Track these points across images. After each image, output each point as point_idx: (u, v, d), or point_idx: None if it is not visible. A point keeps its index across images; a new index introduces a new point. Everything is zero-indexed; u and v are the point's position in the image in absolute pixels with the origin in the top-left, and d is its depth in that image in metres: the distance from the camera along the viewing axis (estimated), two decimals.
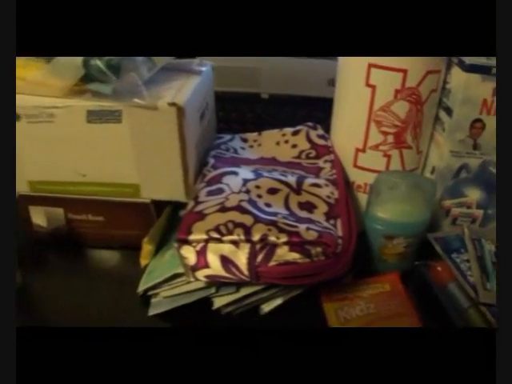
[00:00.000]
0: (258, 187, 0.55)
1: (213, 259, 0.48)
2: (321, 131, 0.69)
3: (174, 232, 0.60)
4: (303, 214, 0.53)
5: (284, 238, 0.48)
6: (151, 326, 0.53)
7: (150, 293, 0.55)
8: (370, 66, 0.56)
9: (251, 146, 0.69)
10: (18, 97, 0.57)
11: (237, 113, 0.82)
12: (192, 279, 0.50)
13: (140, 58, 0.56)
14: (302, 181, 0.57)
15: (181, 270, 0.52)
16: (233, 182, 0.56)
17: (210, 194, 0.54)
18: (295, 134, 0.69)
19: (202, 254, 0.49)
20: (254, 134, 0.71)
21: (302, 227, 0.49)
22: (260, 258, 0.48)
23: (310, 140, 0.67)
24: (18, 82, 0.58)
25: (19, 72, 0.58)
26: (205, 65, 0.65)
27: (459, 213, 0.62)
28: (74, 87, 0.55)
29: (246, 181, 0.56)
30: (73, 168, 0.58)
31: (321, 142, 0.67)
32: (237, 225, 0.49)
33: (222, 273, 0.49)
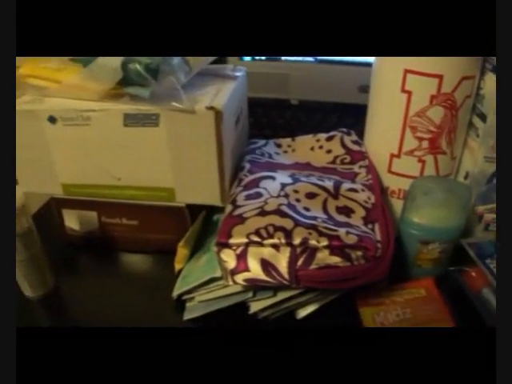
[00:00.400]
0: (296, 191, 0.55)
1: (253, 263, 0.48)
2: (355, 137, 0.69)
3: (208, 236, 0.60)
4: (341, 218, 0.53)
5: (324, 242, 0.48)
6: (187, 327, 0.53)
7: (185, 297, 0.55)
8: (406, 71, 0.56)
9: (285, 152, 0.69)
10: (53, 100, 0.57)
11: (267, 119, 0.82)
12: (230, 283, 0.50)
13: (177, 63, 0.56)
14: (339, 186, 0.57)
15: (217, 274, 0.52)
16: (271, 187, 0.56)
17: (248, 197, 0.54)
18: (329, 139, 0.69)
19: (242, 257, 0.49)
20: (288, 140, 0.71)
21: (341, 231, 0.49)
22: (301, 261, 0.48)
23: (344, 145, 0.67)
24: (53, 86, 0.58)
25: (55, 75, 0.59)
26: (240, 70, 0.65)
27: (492, 219, 0.62)
28: (111, 91, 0.55)
29: (283, 185, 0.56)
30: (108, 171, 0.58)
31: (355, 147, 0.67)
32: (277, 228, 0.49)
33: (262, 276, 0.49)
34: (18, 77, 0.60)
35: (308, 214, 0.52)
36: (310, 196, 0.55)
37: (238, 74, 0.64)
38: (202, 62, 0.60)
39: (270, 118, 0.83)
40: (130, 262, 0.63)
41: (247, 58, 0.82)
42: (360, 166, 0.63)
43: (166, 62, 0.55)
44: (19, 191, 0.53)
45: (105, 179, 0.59)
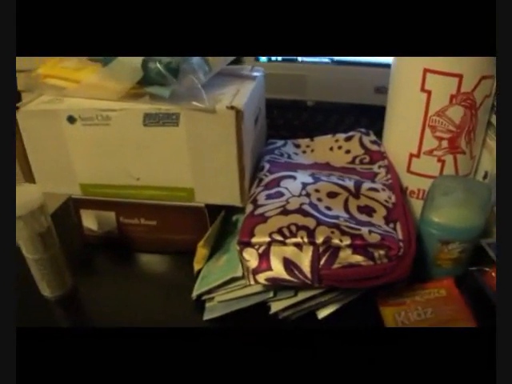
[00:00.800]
0: (317, 191, 0.55)
1: (276, 262, 0.48)
2: (373, 137, 0.69)
3: (227, 237, 0.60)
4: (363, 217, 0.52)
5: (347, 241, 0.48)
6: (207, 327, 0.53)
7: (205, 297, 0.55)
8: (426, 71, 0.56)
9: (304, 152, 0.69)
10: (72, 100, 0.57)
11: (284, 120, 0.82)
12: (252, 282, 0.50)
13: (197, 62, 0.56)
14: (359, 185, 0.57)
15: (238, 273, 0.51)
16: (292, 186, 0.56)
17: (269, 197, 0.54)
18: (348, 139, 0.69)
19: (264, 256, 0.48)
20: (307, 140, 0.71)
21: (364, 230, 0.49)
22: (323, 260, 0.48)
23: (363, 145, 0.67)
24: (72, 85, 0.58)
25: (74, 75, 0.59)
26: (258, 70, 0.65)
27: None
28: (131, 90, 0.55)
29: (305, 184, 0.56)
30: (126, 171, 0.58)
31: (374, 147, 0.67)
32: (300, 227, 0.49)
33: (285, 275, 0.48)
34: (36, 77, 0.60)
35: (330, 213, 0.52)
36: (332, 195, 0.55)
37: (256, 74, 0.64)
38: (221, 62, 0.60)
39: (287, 119, 0.83)
40: (149, 262, 0.63)
41: (263, 59, 0.82)
42: (379, 166, 0.63)
43: (186, 61, 0.55)
44: (38, 191, 0.53)
45: (123, 179, 0.59)
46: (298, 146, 0.70)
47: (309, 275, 0.48)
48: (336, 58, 0.81)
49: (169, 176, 0.57)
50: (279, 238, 0.48)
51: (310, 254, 0.48)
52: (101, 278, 0.61)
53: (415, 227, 0.55)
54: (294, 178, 0.58)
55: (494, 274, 0.56)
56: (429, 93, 0.57)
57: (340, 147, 0.68)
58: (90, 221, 0.62)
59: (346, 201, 0.55)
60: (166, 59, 0.54)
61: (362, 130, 0.70)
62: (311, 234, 0.48)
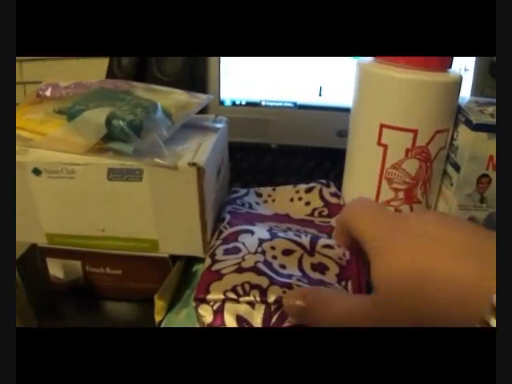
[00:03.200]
0: (273, 248, 0.56)
1: (229, 318, 0.50)
2: (333, 188, 0.70)
3: (187, 288, 0.61)
4: (316, 275, 0.54)
5: None
6: None
7: None
8: (382, 126, 0.58)
9: (265, 202, 0.70)
10: (38, 151, 0.58)
11: (247, 163, 0.83)
12: None
13: (160, 118, 0.57)
14: (315, 242, 0.58)
15: None
16: (248, 242, 0.57)
17: (226, 252, 0.56)
18: (308, 191, 0.70)
19: (218, 313, 0.50)
20: (269, 189, 0.72)
21: None
22: (274, 319, 0.49)
23: (322, 198, 0.68)
24: (38, 137, 0.59)
25: (38, 128, 0.60)
26: (221, 121, 0.67)
27: None
28: (96, 145, 0.56)
29: (261, 241, 0.57)
30: (92, 223, 0.59)
31: (333, 200, 0.68)
32: (253, 286, 0.50)
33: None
34: None
35: (284, 271, 0.54)
36: (287, 253, 0.56)
37: (218, 125, 0.65)
38: (183, 117, 0.61)
39: (250, 163, 0.85)
40: (114, 309, 0.64)
41: (227, 103, 0.84)
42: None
43: (149, 117, 0.56)
44: None
45: (89, 230, 0.59)
46: (260, 196, 0.71)
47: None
48: (299, 103, 0.83)
49: (133, 228, 0.59)
50: (233, 296, 0.50)
51: (261, 312, 0.50)
52: (67, 326, 0.61)
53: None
54: (252, 232, 0.59)
55: None
56: (385, 147, 0.59)
57: (300, 198, 0.69)
58: (56, 269, 0.63)
59: (301, 258, 0.56)
60: (129, 116, 0.55)
61: (323, 181, 0.71)
62: (264, 293, 0.50)
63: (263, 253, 0.55)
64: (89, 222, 0.59)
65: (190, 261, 0.63)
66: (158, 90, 0.67)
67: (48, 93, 0.66)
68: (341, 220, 0.55)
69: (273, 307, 0.50)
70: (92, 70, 1.00)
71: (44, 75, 0.73)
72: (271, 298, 0.49)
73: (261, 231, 0.60)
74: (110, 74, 0.95)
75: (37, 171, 0.57)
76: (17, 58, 0.60)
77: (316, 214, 0.67)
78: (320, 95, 0.84)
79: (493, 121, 0.56)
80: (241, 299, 0.50)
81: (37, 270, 0.64)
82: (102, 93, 0.63)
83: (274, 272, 0.53)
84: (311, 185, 0.70)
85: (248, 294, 0.50)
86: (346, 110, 0.66)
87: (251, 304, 0.50)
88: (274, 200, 0.70)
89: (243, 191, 0.71)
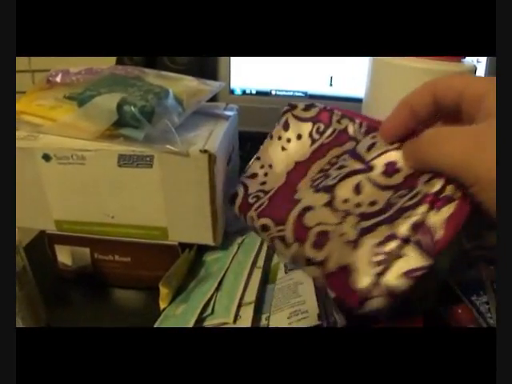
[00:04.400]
0: (346, 200, 0.44)
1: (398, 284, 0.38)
2: (302, 105, 0.56)
3: (193, 278, 0.61)
4: (394, 180, 0.43)
5: (425, 207, 0.39)
6: None
7: None
8: None
9: (266, 174, 0.55)
10: (49, 137, 0.58)
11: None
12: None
13: (171, 104, 0.57)
14: (359, 157, 0.46)
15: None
16: (319, 214, 0.45)
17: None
18: (286, 127, 0.56)
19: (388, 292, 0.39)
20: (254, 162, 0.57)
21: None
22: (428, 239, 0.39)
23: (302, 118, 0.55)
24: (47, 123, 0.59)
25: (49, 113, 0.59)
26: (232, 109, 0.66)
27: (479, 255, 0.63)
28: (106, 131, 0.56)
29: (327, 203, 0.45)
30: (101, 209, 0.59)
31: (312, 112, 0.55)
32: (382, 242, 0.39)
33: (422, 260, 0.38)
34: None
35: (382, 207, 0.42)
36: (357, 191, 0.44)
37: (229, 113, 0.65)
38: (195, 103, 0.60)
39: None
40: (123, 297, 0.63)
41: (237, 92, 0.83)
42: (338, 121, 0.52)
43: (160, 104, 0.56)
44: None
45: (98, 217, 0.59)
46: (254, 176, 0.56)
47: (430, 262, 0.38)
48: (310, 92, 0.82)
49: (143, 215, 0.58)
50: (379, 269, 0.39)
51: (413, 247, 0.38)
52: (75, 313, 0.61)
53: None
54: (311, 208, 0.46)
55: (459, 310, 0.58)
56: None
57: (289, 140, 0.55)
58: (64, 256, 0.63)
59: (370, 181, 0.44)
60: (140, 102, 0.54)
61: (286, 107, 0.58)
62: (393, 236, 0.39)
63: (347, 213, 0.43)
64: (98, 208, 0.59)
65: (201, 251, 0.63)
66: (168, 77, 0.66)
67: (58, 79, 0.65)
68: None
69: (414, 235, 0.39)
70: (101, 61, 1.00)
71: (53, 64, 0.73)
72: (404, 231, 0.39)
73: (312, 197, 0.47)
74: (120, 63, 0.94)
75: (47, 157, 0.56)
76: None
77: (315, 135, 0.53)
78: (331, 85, 0.84)
79: None
80: (389, 265, 0.38)
81: (45, 257, 0.64)
82: (113, 79, 0.62)
83: (375, 213, 0.42)
84: (282, 120, 0.57)
85: (389, 253, 0.39)
86: (357, 101, 0.66)
87: (398, 256, 0.39)
88: (270, 165, 0.55)
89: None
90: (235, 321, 0.51)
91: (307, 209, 0.46)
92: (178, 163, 0.54)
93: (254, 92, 0.84)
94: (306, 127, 0.54)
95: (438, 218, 0.39)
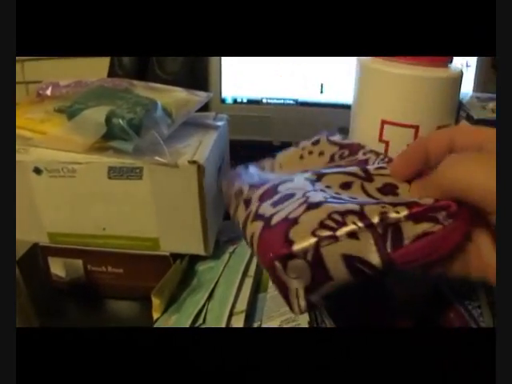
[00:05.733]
0: (328, 187, 0.44)
1: (334, 265, 0.38)
2: (338, 135, 0.57)
3: (185, 288, 0.61)
4: (389, 198, 0.42)
5: (404, 211, 0.38)
6: None
7: None
8: (383, 122, 0.58)
9: (273, 170, 0.56)
10: (38, 150, 0.58)
11: (249, 161, 0.83)
12: (302, 309, 0.39)
13: (160, 116, 0.57)
14: (365, 168, 0.46)
15: None
16: (296, 186, 0.45)
17: (276, 203, 0.43)
18: (316, 143, 0.57)
19: (317, 263, 0.37)
20: (268, 159, 0.58)
21: (409, 200, 0.40)
22: (389, 241, 0.38)
23: (335, 143, 0.56)
24: (39, 136, 0.59)
25: (38, 127, 0.60)
26: (221, 119, 0.67)
27: None
28: (96, 144, 0.56)
29: (311, 181, 0.45)
30: (93, 221, 0.59)
31: (346, 141, 0.55)
32: (344, 213, 0.38)
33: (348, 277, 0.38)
34: None
35: (359, 200, 0.42)
36: (346, 186, 0.44)
37: (219, 123, 0.65)
38: (184, 114, 0.61)
39: (252, 160, 0.83)
40: (116, 308, 0.64)
41: (229, 101, 0.84)
42: (364, 153, 0.52)
43: (148, 116, 0.56)
44: None
45: (90, 229, 0.60)
46: (263, 168, 0.58)
47: (379, 264, 0.38)
48: (300, 100, 0.83)
49: (134, 226, 0.59)
50: (327, 233, 0.37)
51: (370, 239, 0.38)
52: (68, 324, 0.61)
53: None
54: (292, 180, 0.47)
55: (451, 314, 0.58)
56: (387, 143, 0.59)
57: (311, 152, 0.56)
58: (57, 268, 0.63)
59: (363, 187, 0.43)
60: (128, 115, 0.55)
61: (326, 131, 0.58)
62: (362, 215, 0.38)
63: (323, 190, 0.43)
64: (90, 220, 0.59)
65: (193, 261, 0.63)
66: (157, 89, 0.67)
67: (48, 92, 0.66)
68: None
69: (379, 230, 0.37)
70: (94, 68, 1.00)
71: (46, 75, 0.73)
72: (375, 218, 0.37)
73: (301, 177, 0.47)
74: (112, 73, 0.95)
75: (37, 170, 0.57)
76: (19, 58, 0.60)
77: (336, 158, 0.53)
78: (321, 92, 0.84)
79: (494, 116, 0.56)
80: (338, 233, 0.37)
81: (38, 269, 0.64)
82: (102, 91, 0.63)
83: (352, 200, 0.41)
84: (315, 138, 0.57)
85: (344, 223, 0.37)
86: (348, 107, 0.66)
87: (354, 235, 0.37)
88: (281, 166, 0.56)
89: (241, 167, 0.57)
90: None
91: (285, 181, 0.46)
92: (167, 174, 0.55)
93: (245, 101, 0.84)
94: (332, 149, 0.54)
95: (411, 229, 0.38)
